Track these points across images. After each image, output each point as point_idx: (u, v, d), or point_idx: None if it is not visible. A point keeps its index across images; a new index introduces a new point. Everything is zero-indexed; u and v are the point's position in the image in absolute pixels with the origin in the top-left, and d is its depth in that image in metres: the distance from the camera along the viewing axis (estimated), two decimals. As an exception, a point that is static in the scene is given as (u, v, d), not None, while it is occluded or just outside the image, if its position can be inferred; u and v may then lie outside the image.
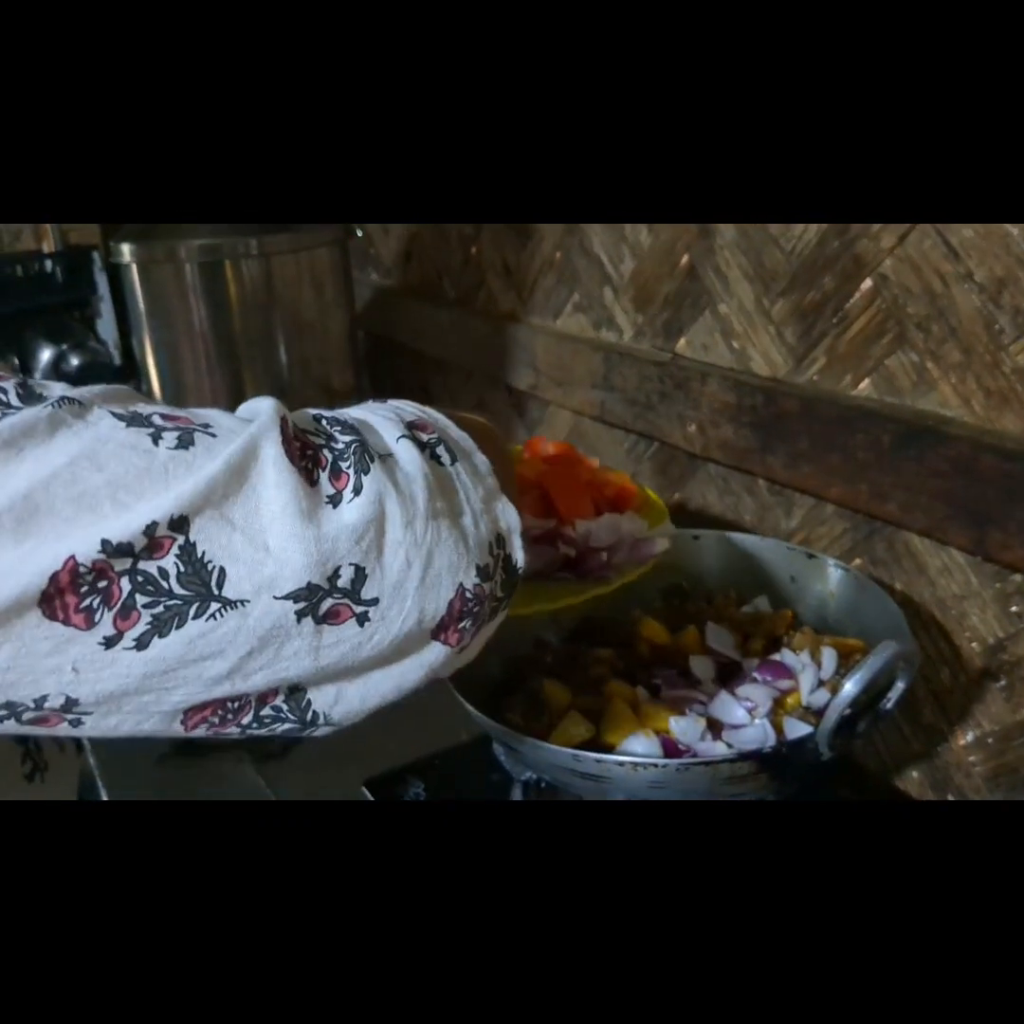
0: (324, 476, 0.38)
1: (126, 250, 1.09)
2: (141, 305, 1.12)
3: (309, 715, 0.39)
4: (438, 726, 1.01)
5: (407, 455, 0.40)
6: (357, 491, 0.37)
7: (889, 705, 0.58)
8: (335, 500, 0.37)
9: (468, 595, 0.39)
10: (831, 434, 0.79)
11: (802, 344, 0.85)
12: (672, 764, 0.55)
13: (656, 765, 0.55)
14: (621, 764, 0.56)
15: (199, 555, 0.34)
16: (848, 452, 0.78)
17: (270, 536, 0.35)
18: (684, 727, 0.62)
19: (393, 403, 0.46)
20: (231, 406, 1.20)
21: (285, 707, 0.39)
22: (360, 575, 0.37)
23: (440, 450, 0.42)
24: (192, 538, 0.34)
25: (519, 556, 0.42)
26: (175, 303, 1.10)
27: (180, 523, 0.34)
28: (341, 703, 0.40)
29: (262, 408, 0.40)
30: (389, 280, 1.60)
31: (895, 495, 0.75)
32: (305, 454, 0.38)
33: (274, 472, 0.36)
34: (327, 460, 0.38)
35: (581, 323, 1.14)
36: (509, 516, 0.42)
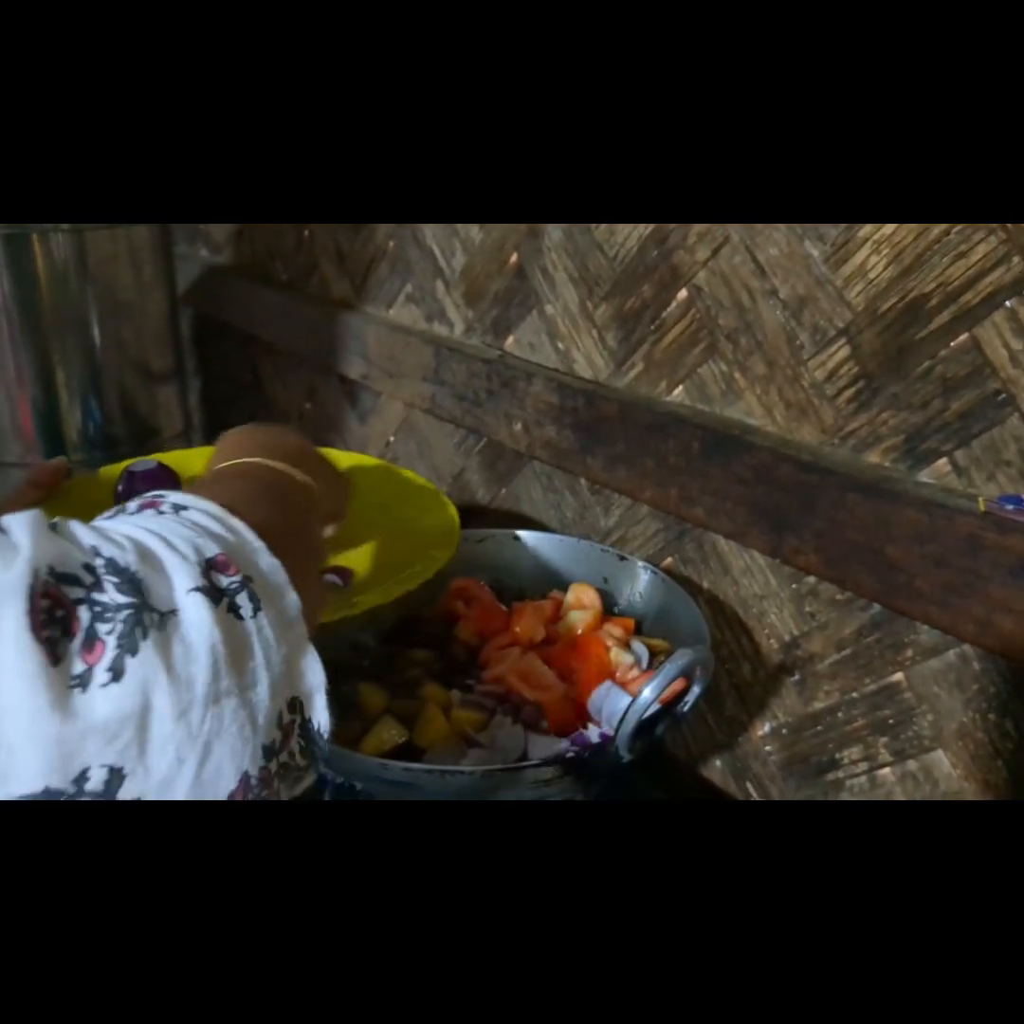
0: (73, 648, 0.31)
1: (-83, 216, 1.00)
2: (-65, 277, 1.03)
3: None
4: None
5: (196, 615, 0.33)
6: (116, 675, 0.31)
7: (686, 709, 0.60)
8: (84, 681, 0.30)
9: (253, 782, 0.35)
10: (645, 439, 0.82)
11: (622, 349, 0.87)
12: (478, 771, 0.56)
13: (463, 772, 0.56)
14: (429, 772, 0.56)
15: None
16: (661, 457, 0.81)
17: (6, 728, 0.29)
18: (495, 729, 0.63)
19: (200, 515, 0.38)
20: (40, 391, 1.12)
21: None
22: (116, 776, 0.31)
23: (241, 599, 0.35)
24: None
25: (322, 718, 0.38)
26: (-26, 277, 1.03)
27: None
28: None
29: (21, 547, 0.31)
30: (220, 257, 1.54)
31: (703, 500, 0.78)
32: (54, 617, 0.31)
33: (13, 653, 0.29)
34: (82, 624, 0.31)
35: (414, 314, 1.14)
36: (312, 675, 0.38)
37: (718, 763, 0.87)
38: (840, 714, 0.76)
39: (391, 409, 1.21)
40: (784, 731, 0.81)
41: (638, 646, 0.69)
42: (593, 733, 0.62)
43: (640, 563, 0.76)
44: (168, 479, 0.79)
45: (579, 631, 0.69)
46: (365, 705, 0.68)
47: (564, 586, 0.77)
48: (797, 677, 0.79)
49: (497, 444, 1.04)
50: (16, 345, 1.06)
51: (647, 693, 0.54)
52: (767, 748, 0.82)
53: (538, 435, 0.93)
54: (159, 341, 1.16)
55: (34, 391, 1.07)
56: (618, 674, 0.66)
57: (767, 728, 0.82)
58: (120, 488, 0.78)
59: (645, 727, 0.57)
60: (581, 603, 0.72)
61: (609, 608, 0.75)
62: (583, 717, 0.64)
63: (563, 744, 0.61)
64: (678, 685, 0.60)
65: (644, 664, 0.68)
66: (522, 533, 0.83)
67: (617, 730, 0.56)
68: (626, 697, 0.61)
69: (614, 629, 0.70)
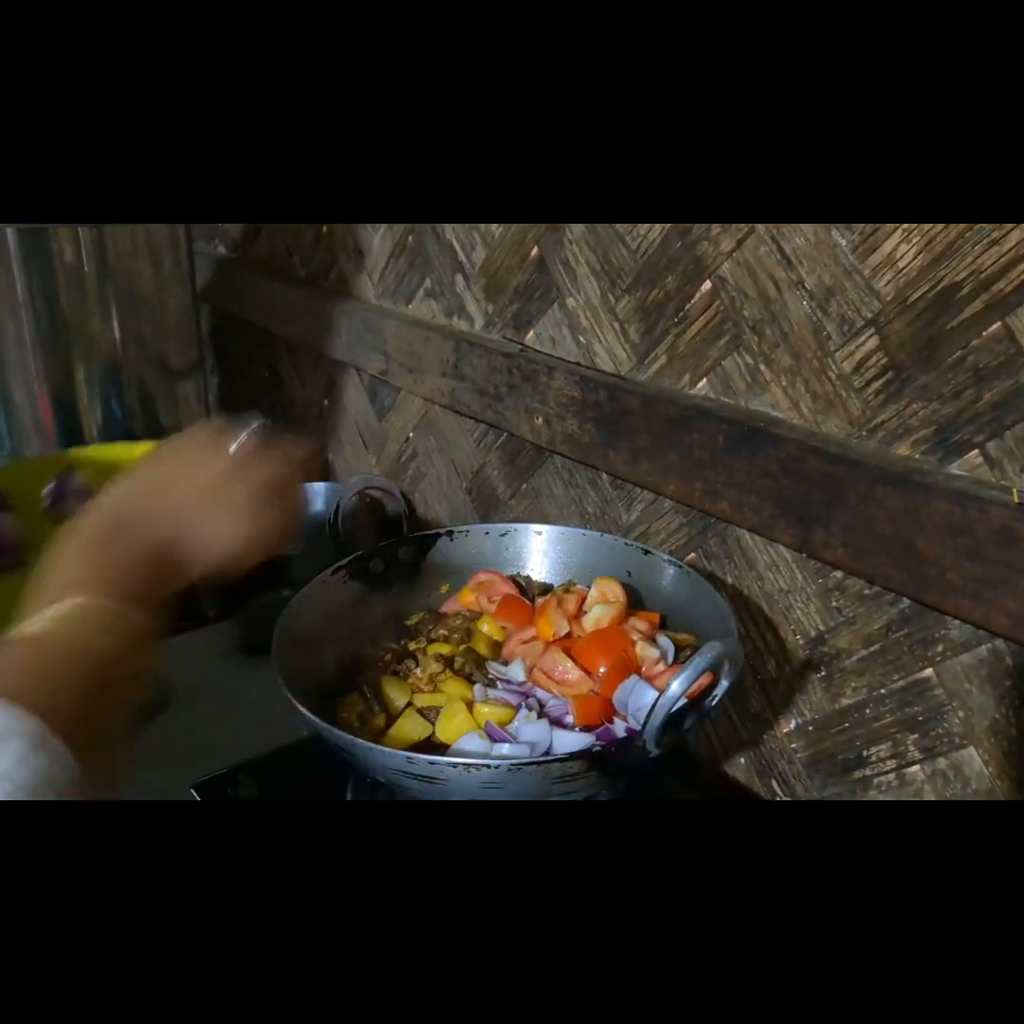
0: None
1: (-62, 212, 1.00)
2: (-45, 273, 1.03)
3: None
4: (276, 723, 0.99)
5: None
6: None
7: (713, 703, 0.59)
8: None
9: None
10: (669, 432, 0.81)
11: (645, 342, 0.86)
12: (504, 764, 0.55)
13: (488, 766, 0.55)
14: (453, 766, 0.56)
15: None
16: (684, 450, 0.80)
17: None
18: (520, 724, 0.62)
19: None
20: (60, 386, 1.13)
21: None
22: None
23: None
24: None
25: None
26: (-6, 272, 1.03)
27: None
28: None
29: None
30: (237, 254, 1.54)
31: (727, 493, 0.77)
32: None
33: None
34: None
35: (433, 309, 1.13)
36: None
37: (743, 761, 0.86)
38: (868, 711, 0.75)
39: (410, 405, 1.21)
40: (810, 728, 0.79)
41: (664, 640, 0.68)
42: (619, 728, 0.62)
43: (665, 557, 0.75)
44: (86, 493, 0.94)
45: (604, 625, 0.69)
46: (388, 700, 0.68)
47: (587, 581, 0.76)
48: (824, 673, 0.77)
49: (517, 439, 1.03)
50: (36, 340, 1.06)
51: (675, 687, 0.53)
52: (793, 745, 0.81)
53: (559, 429, 0.92)
54: (178, 336, 1.16)
55: (54, 386, 1.07)
56: (644, 669, 0.65)
57: (793, 725, 0.81)
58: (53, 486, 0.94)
59: (673, 722, 0.56)
60: (605, 597, 0.71)
61: (634, 603, 0.74)
62: (608, 712, 0.63)
63: (589, 739, 0.60)
64: (705, 680, 0.59)
65: (670, 659, 0.67)
66: (544, 527, 0.82)
67: (644, 724, 0.55)
68: (652, 691, 0.60)
69: (639, 623, 0.69)
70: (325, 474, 1.43)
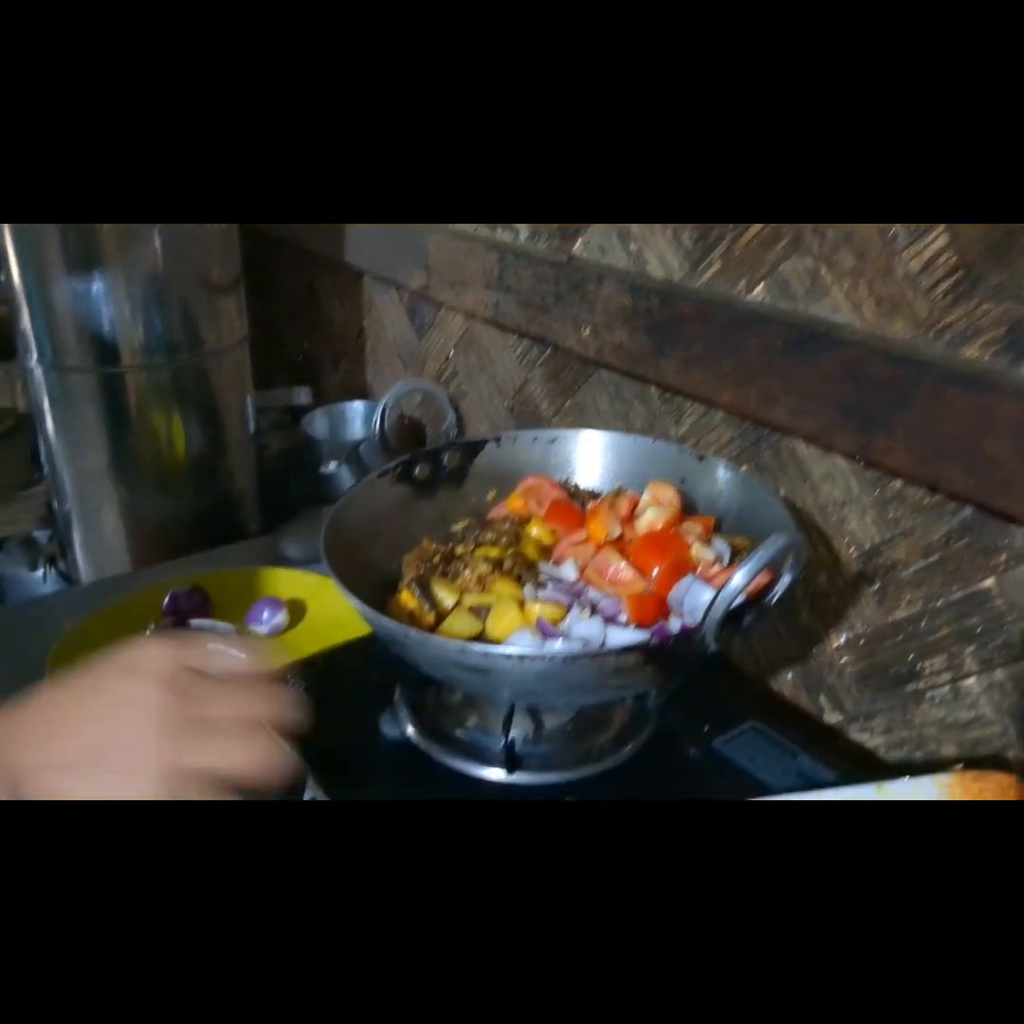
0: None
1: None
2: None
3: None
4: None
5: None
6: None
7: (774, 599, 0.58)
8: None
9: None
10: (725, 338, 0.79)
11: (698, 247, 0.84)
12: (558, 655, 0.55)
13: (543, 657, 0.55)
14: (508, 657, 0.55)
15: None
16: (741, 357, 0.78)
17: None
18: (572, 621, 0.61)
19: None
20: (104, 300, 1.12)
21: None
22: None
23: None
24: None
25: None
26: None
27: None
28: None
29: None
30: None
31: (785, 400, 0.75)
32: None
33: None
34: None
35: (476, 222, 1.10)
36: None
37: (790, 676, 0.85)
38: (923, 623, 0.73)
39: (451, 322, 1.19)
40: (861, 642, 0.78)
41: (720, 543, 0.66)
42: (674, 626, 0.61)
43: (720, 462, 0.73)
44: (204, 602, 0.98)
45: (657, 528, 0.67)
46: (437, 600, 0.67)
47: (639, 489, 0.75)
48: (877, 586, 0.76)
49: (563, 353, 1.01)
50: (75, 259, 1.05)
51: (738, 578, 0.52)
52: (842, 659, 0.80)
53: (608, 339, 0.90)
54: (220, 252, 1.14)
55: (98, 300, 1.06)
56: (700, 570, 0.64)
57: (843, 639, 0.80)
58: (166, 604, 0.98)
59: (732, 617, 0.55)
60: (658, 501, 0.70)
61: (687, 510, 0.73)
62: (663, 611, 0.62)
63: (645, 635, 0.59)
64: (763, 578, 0.58)
65: (726, 561, 0.65)
66: (594, 433, 0.80)
67: (704, 617, 0.54)
68: (710, 590, 0.59)
69: (694, 526, 0.67)
70: (364, 394, 1.42)
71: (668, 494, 0.70)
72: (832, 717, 0.82)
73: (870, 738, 0.79)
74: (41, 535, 1.69)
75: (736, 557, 0.66)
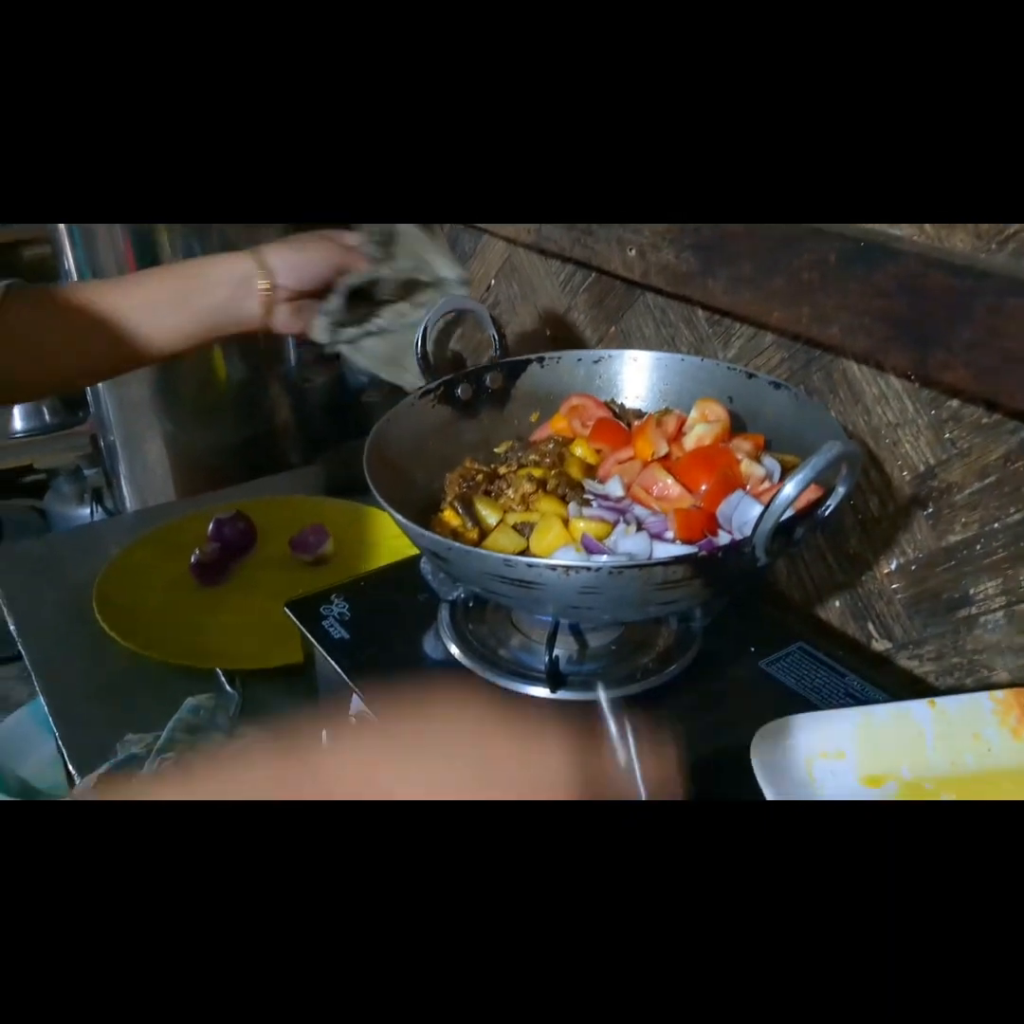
0: None
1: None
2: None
3: None
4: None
5: None
6: None
7: (828, 512, 0.57)
8: None
9: None
10: (775, 255, 0.76)
11: (751, 161, 0.81)
12: (604, 567, 0.54)
13: (588, 569, 0.54)
14: (553, 569, 0.54)
15: None
16: (792, 273, 0.75)
17: None
18: (618, 537, 0.60)
19: None
20: (144, 236, 1.13)
21: None
22: None
23: None
24: None
25: None
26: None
27: None
28: None
29: None
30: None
31: (838, 317, 0.72)
32: None
33: None
34: None
35: (518, 145, 1.08)
36: None
37: (837, 603, 0.84)
38: (978, 547, 0.71)
39: (492, 250, 1.17)
40: (913, 567, 0.76)
41: (770, 461, 0.65)
42: (723, 540, 0.59)
43: (769, 379, 0.71)
44: (248, 528, 1.01)
45: (706, 443, 0.66)
46: (480, 518, 0.66)
47: (686, 409, 0.73)
48: (931, 510, 0.74)
49: (606, 279, 0.99)
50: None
51: (790, 488, 0.50)
52: (893, 586, 0.78)
53: (654, 260, 0.88)
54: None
55: (138, 237, 1.06)
56: (749, 487, 0.62)
57: (894, 565, 0.78)
58: (210, 530, 0.99)
59: (783, 530, 0.53)
60: (706, 417, 0.68)
61: (736, 429, 0.71)
62: (711, 527, 0.60)
63: (693, 550, 0.58)
64: (814, 492, 0.57)
65: (776, 478, 0.64)
66: (640, 352, 0.78)
67: (755, 528, 0.52)
68: (759, 505, 0.58)
69: (743, 443, 0.66)
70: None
71: (716, 410, 0.69)
72: (881, 645, 0.80)
73: (919, 665, 0.78)
74: (88, 471, 1.71)
75: (786, 475, 0.64)
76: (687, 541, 0.60)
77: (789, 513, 0.53)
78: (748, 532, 0.54)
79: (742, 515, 0.59)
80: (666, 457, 0.67)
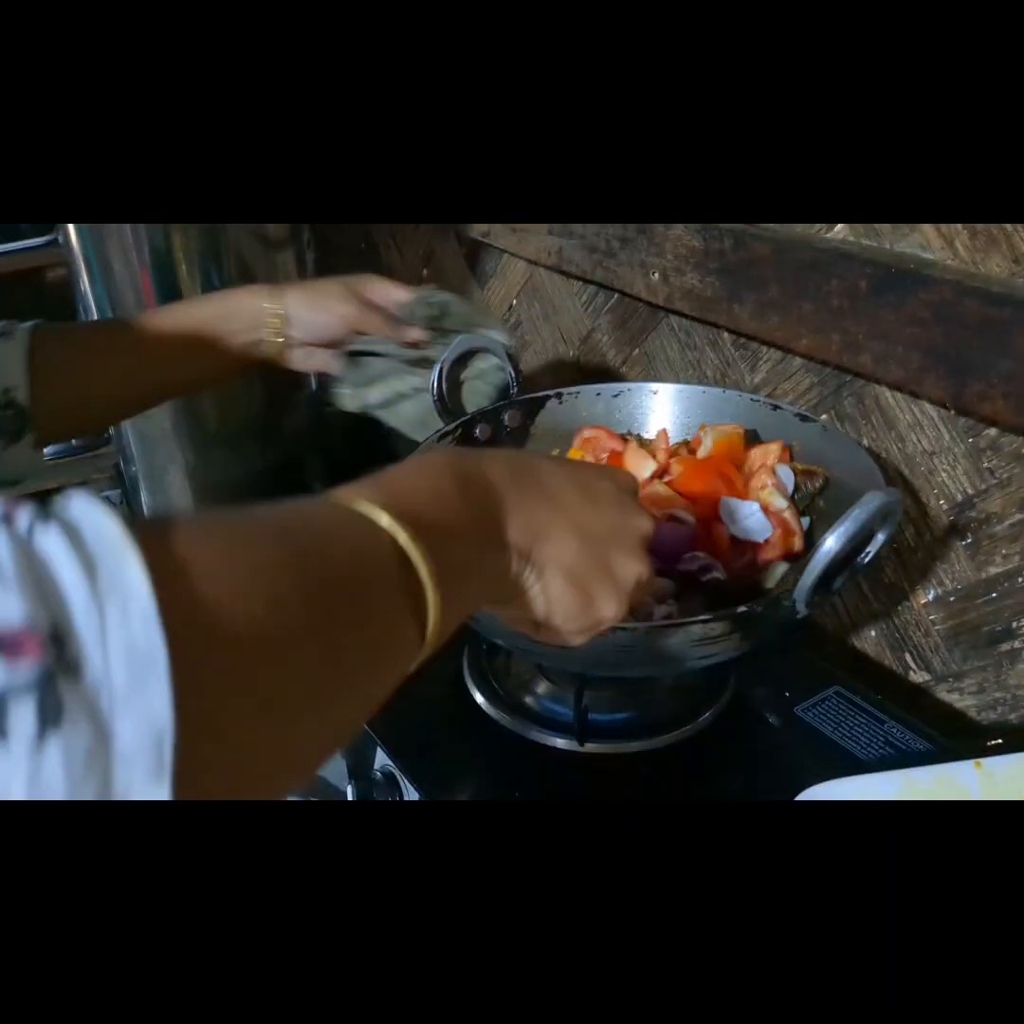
0: None
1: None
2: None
3: None
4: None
5: None
6: None
7: (868, 559, 0.55)
8: None
9: None
10: (803, 280, 0.74)
11: (775, 183, 0.79)
12: (642, 627, 0.52)
13: (625, 629, 0.52)
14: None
15: None
16: (821, 299, 0.73)
17: None
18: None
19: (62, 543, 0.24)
20: (160, 257, 1.12)
21: None
22: None
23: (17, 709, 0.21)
24: None
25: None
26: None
27: None
28: None
29: None
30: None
31: (869, 345, 0.70)
32: None
33: None
34: None
35: (535, 164, 1.06)
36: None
37: (873, 634, 0.82)
38: (1020, 580, 0.69)
39: (514, 270, 1.15)
40: (951, 599, 0.74)
41: (783, 470, 0.64)
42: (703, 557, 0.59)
43: (796, 411, 0.69)
44: None
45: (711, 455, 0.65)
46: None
47: (709, 442, 0.72)
48: (969, 540, 0.72)
49: (630, 300, 0.97)
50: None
51: (831, 542, 0.49)
52: (931, 617, 0.76)
53: (678, 284, 0.86)
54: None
55: (154, 258, 1.05)
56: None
57: (931, 595, 0.76)
58: None
59: (824, 580, 0.52)
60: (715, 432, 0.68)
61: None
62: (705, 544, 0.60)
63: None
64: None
65: (789, 488, 0.63)
66: (660, 385, 0.77)
67: (796, 584, 0.51)
68: (750, 504, 0.57)
69: (764, 452, 0.65)
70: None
71: (725, 429, 0.67)
72: (919, 677, 0.78)
73: (960, 698, 0.76)
74: (111, 494, 1.71)
75: (800, 482, 0.64)
76: (669, 556, 0.59)
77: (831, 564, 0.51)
78: (747, 529, 0.53)
79: (741, 515, 0.58)
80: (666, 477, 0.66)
